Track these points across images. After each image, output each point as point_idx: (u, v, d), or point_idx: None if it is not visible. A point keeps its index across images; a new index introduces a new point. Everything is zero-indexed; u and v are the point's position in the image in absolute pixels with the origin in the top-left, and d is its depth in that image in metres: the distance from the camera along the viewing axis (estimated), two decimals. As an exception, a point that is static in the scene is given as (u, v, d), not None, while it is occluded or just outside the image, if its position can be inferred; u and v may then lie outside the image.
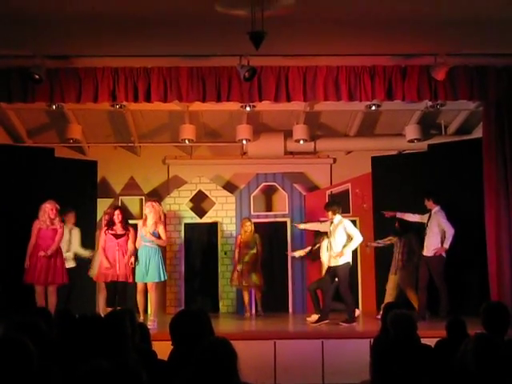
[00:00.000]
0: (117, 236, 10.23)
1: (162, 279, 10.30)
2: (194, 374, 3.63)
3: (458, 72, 9.64)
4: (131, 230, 10.37)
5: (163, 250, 10.62)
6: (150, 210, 10.23)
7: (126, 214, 10.59)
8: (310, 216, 12.88)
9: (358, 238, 10.52)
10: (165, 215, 12.79)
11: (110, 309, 9.75)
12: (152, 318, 9.98)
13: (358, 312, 10.77)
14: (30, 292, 9.93)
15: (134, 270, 10.18)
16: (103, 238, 10.31)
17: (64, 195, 11.54)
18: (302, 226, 11.84)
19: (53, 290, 10.02)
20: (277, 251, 13.05)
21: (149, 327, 9.36)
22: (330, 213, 10.57)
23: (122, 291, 10.20)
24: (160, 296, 11.22)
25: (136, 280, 10.22)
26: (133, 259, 10.10)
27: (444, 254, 10.54)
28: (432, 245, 10.60)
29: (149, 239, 10.10)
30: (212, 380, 3.57)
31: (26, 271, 9.87)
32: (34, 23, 8.16)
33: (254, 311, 12.33)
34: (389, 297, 11.17)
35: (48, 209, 10.02)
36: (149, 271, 10.05)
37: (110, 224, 10.35)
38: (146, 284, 10.21)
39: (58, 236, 10.04)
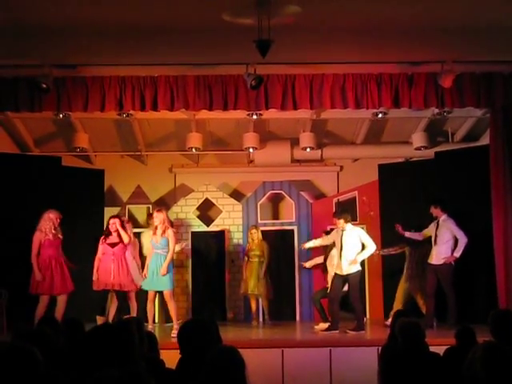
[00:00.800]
0: (112, 245, 10.24)
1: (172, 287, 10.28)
2: (202, 383, 3.62)
3: (464, 79, 9.62)
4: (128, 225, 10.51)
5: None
6: (158, 220, 10.21)
7: (123, 223, 10.54)
8: (316, 224, 12.85)
9: (372, 247, 10.55)
10: (172, 223, 12.82)
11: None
12: (176, 326, 9.88)
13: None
14: (35, 301, 9.95)
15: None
16: (100, 247, 10.32)
17: (71, 204, 11.58)
18: (307, 246, 11.78)
19: (63, 298, 10.03)
20: (284, 259, 13.04)
21: (174, 336, 9.45)
22: (341, 221, 10.52)
23: (123, 299, 10.20)
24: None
25: (147, 288, 10.22)
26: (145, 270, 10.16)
27: (453, 263, 10.50)
28: (442, 253, 10.54)
29: (161, 247, 10.10)
30: None
31: (37, 282, 9.88)
32: (41, 33, 8.22)
33: (261, 319, 12.32)
34: (398, 304, 11.13)
35: (52, 217, 10.04)
36: (162, 279, 10.03)
37: (107, 234, 10.37)
38: (155, 293, 10.23)
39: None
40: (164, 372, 4.73)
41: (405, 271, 11.40)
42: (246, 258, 12.14)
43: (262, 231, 12.40)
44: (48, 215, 10.08)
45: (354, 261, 10.32)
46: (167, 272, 9.98)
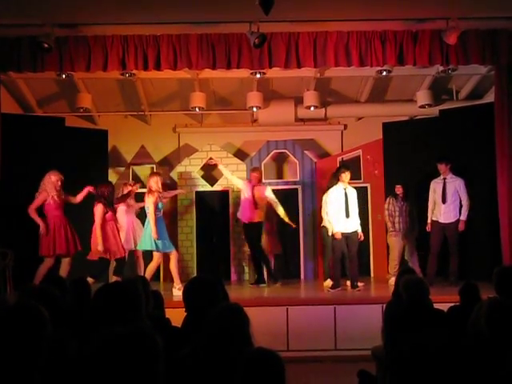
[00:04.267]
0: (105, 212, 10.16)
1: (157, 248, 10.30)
2: (207, 340, 3.65)
3: (469, 36, 9.55)
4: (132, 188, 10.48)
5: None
6: (152, 183, 10.25)
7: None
8: (321, 183, 12.83)
9: None
10: (175, 183, 12.91)
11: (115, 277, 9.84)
12: (178, 286, 9.95)
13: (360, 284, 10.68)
14: (41, 261, 10.03)
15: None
16: (101, 215, 10.00)
17: (75, 164, 11.57)
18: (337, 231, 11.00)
19: (66, 260, 10.08)
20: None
21: (176, 295, 9.52)
22: (347, 176, 10.49)
23: (119, 260, 10.21)
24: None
25: (144, 248, 10.34)
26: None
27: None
28: (452, 212, 10.58)
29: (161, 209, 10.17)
30: (225, 345, 3.58)
31: (46, 244, 9.93)
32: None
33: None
34: (395, 262, 11.23)
35: (53, 180, 10.04)
36: (165, 241, 10.18)
37: (105, 199, 10.16)
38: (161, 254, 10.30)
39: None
40: (170, 330, 4.77)
41: (397, 226, 11.36)
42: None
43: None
44: (49, 176, 10.08)
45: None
46: (158, 236, 10.05)
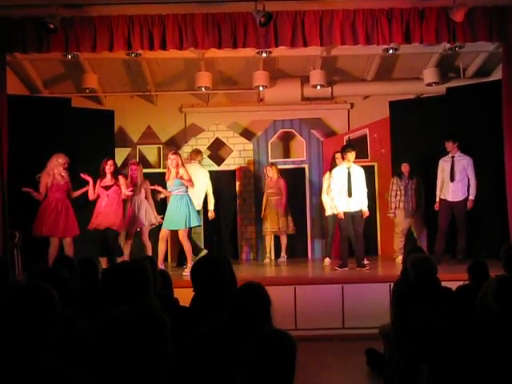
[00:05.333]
0: (106, 187, 10.21)
1: (188, 226, 10.23)
2: (228, 318, 3.66)
3: (476, 13, 9.47)
4: (120, 178, 10.38)
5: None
6: (170, 162, 10.15)
7: (117, 166, 10.51)
8: (327, 162, 12.80)
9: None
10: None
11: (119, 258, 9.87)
12: (190, 265, 9.96)
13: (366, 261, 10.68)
14: (48, 242, 10.07)
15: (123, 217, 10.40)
16: (97, 189, 10.26)
17: (81, 145, 11.60)
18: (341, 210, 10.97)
19: (69, 241, 10.12)
20: (295, 197, 13.04)
21: (186, 274, 9.55)
22: (353, 155, 10.46)
23: (112, 239, 10.19)
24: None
25: (166, 227, 10.24)
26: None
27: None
28: (460, 190, 10.56)
29: (176, 188, 10.10)
30: (246, 324, 3.60)
31: (39, 224, 9.98)
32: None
33: (273, 257, 12.44)
34: (401, 240, 11.27)
35: (60, 163, 10.07)
36: (175, 219, 10.07)
37: (102, 175, 10.28)
38: (168, 232, 10.27)
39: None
40: (178, 309, 4.79)
41: (401, 205, 11.37)
42: (265, 196, 12.17)
43: (275, 169, 12.44)
44: (56, 159, 10.10)
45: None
46: (183, 213, 10.03)
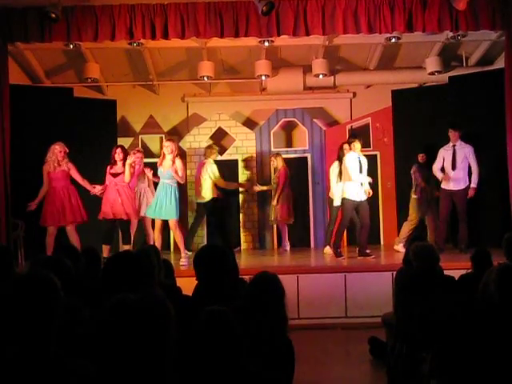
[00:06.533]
0: (115, 175, 10.17)
1: (177, 217, 10.25)
2: (247, 305, 3.71)
3: (479, 1, 9.45)
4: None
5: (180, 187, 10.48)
6: (169, 149, 10.11)
7: (126, 154, 10.44)
8: (330, 151, 12.82)
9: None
10: (184, 152, 12.92)
11: (127, 246, 9.86)
12: (183, 255, 9.98)
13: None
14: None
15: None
16: (106, 176, 10.24)
17: (84, 135, 11.61)
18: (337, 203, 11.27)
19: (71, 228, 10.06)
20: (298, 187, 13.03)
21: (183, 264, 9.58)
22: (359, 145, 10.44)
23: (125, 228, 10.24)
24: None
25: (152, 216, 10.19)
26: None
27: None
28: (461, 179, 10.53)
29: (168, 176, 10.04)
30: (262, 313, 3.65)
31: (44, 214, 9.96)
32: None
33: (276, 246, 12.48)
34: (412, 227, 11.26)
35: (57, 151, 10.02)
36: (166, 208, 10.00)
37: (113, 163, 10.22)
38: (162, 221, 10.23)
39: (75, 175, 10.13)
40: (181, 298, 4.79)
41: (416, 195, 11.37)
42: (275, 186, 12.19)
43: (276, 159, 12.47)
44: (54, 147, 10.08)
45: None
46: (174, 203, 10.00)
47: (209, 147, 12.09)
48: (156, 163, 10.31)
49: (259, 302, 3.78)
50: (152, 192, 10.81)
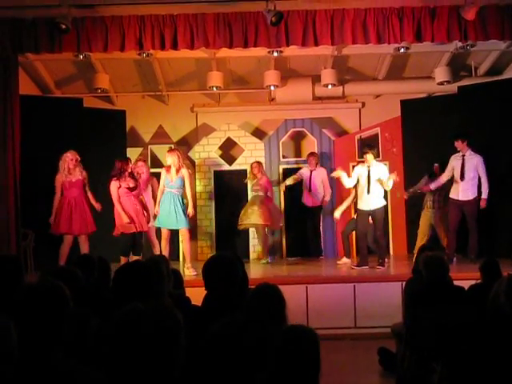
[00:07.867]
0: (131, 189, 10.11)
1: (189, 226, 10.30)
2: (247, 317, 3.70)
3: (488, 11, 9.44)
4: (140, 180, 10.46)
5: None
6: (170, 160, 10.15)
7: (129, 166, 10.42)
8: (339, 161, 12.83)
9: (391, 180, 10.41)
10: (194, 162, 12.97)
11: (136, 257, 9.87)
12: (189, 265, 9.97)
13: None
14: (61, 241, 10.10)
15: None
16: (116, 190, 10.01)
17: (93, 145, 11.64)
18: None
19: (85, 238, 10.13)
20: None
21: (192, 274, 9.57)
22: (371, 156, 10.38)
23: (140, 239, 10.26)
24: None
25: (162, 226, 10.17)
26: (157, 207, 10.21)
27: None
28: (470, 190, 10.49)
29: (175, 186, 10.07)
30: (263, 323, 3.64)
31: (56, 222, 9.99)
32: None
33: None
34: (423, 237, 11.20)
35: (68, 159, 10.09)
36: (178, 218, 10.02)
37: (120, 175, 10.06)
38: (170, 231, 10.22)
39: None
40: (190, 308, 4.79)
41: (430, 204, 11.35)
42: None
43: (285, 169, 12.52)
44: (66, 155, 10.13)
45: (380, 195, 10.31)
46: (183, 212, 10.01)
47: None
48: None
49: (258, 314, 3.77)
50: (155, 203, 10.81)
